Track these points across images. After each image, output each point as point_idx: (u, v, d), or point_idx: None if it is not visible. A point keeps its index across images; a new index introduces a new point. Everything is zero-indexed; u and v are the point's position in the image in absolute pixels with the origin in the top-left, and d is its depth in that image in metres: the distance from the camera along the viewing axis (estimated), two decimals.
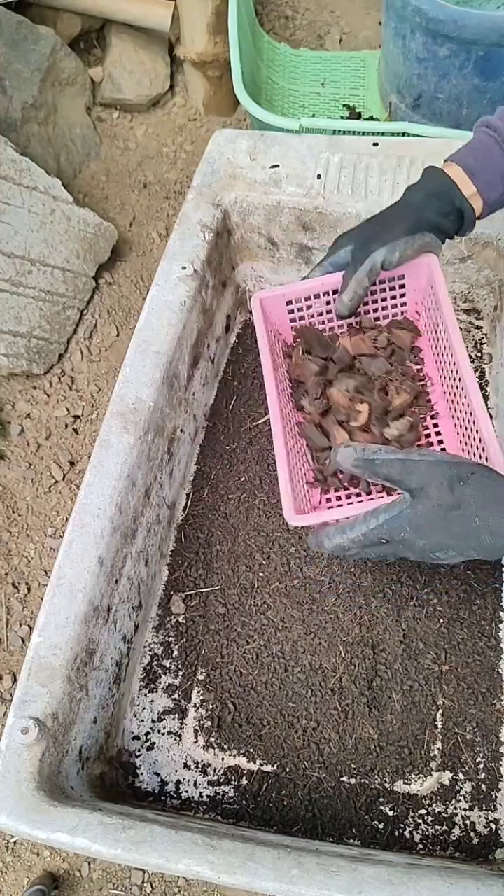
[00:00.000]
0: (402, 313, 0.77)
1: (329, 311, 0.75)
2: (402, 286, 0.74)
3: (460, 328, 0.97)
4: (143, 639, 0.79)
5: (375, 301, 0.76)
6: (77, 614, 0.64)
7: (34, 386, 1.41)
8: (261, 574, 0.80)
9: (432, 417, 0.73)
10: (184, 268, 0.82)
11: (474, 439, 0.64)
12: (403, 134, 1.22)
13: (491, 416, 0.90)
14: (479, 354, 0.96)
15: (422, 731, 0.72)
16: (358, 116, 1.63)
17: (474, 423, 0.63)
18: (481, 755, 0.71)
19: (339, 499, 0.70)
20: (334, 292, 0.72)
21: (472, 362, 0.95)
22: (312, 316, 0.75)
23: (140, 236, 1.61)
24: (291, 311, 0.74)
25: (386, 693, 0.73)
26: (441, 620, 0.77)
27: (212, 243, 0.87)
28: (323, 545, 0.59)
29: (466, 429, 0.66)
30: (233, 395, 0.94)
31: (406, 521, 0.54)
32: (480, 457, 0.62)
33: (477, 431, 0.62)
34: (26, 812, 0.55)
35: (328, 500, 0.70)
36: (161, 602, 0.81)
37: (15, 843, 1.05)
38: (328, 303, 0.73)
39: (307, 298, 0.73)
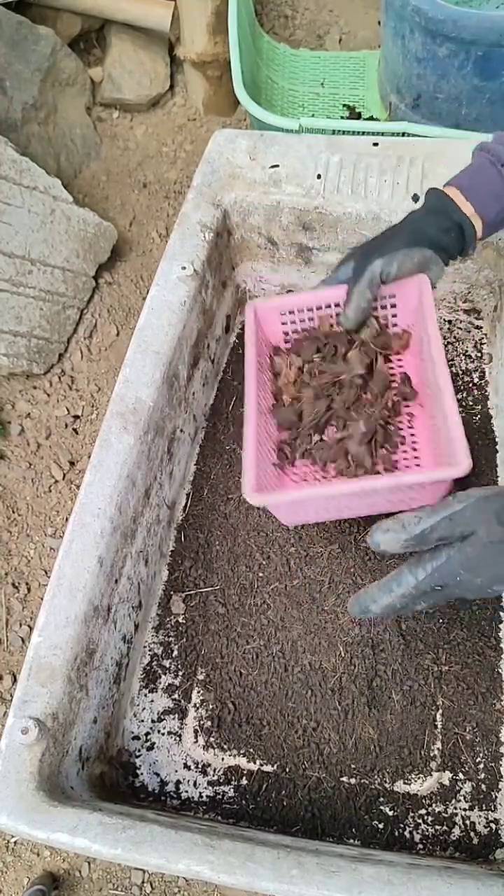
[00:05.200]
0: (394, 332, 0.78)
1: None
2: (394, 305, 0.74)
3: (460, 328, 0.97)
4: (142, 639, 0.79)
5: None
6: (77, 614, 0.64)
7: (34, 386, 1.41)
8: (261, 574, 0.80)
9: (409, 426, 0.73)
10: (184, 268, 0.82)
11: (445, 437, 0.64)
12: (403, 134, 1.22)
13: (491, 416, 0.90)
14: (479, 354, 0.96)
15: (422, 731, 0.72)
16: (358, 116, 1.63)
17: (445, 419, 0.63)
18: (481, 755, 0.71)
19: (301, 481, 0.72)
20: (333, 306, 0.73)
21: (472, 362, 0.95)
22: (306, 329, 0.76)
23: (140, 236, 1.61)
24: (285, 324, 0.75)
25: (386, 693, 0.73)
26: (441, 620, 0.77)
27: (212, 243, 0.87)
28: (369, 610, 0.56)
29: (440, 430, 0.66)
30: (233, 395, 0.94)
31: (458, 565, 0.52)
32: (447, 451, 0.63)
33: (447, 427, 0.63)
34: (26, 812, 0.55)
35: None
36: (161, 602, 0.81)
37: (15, 843, 1.05)
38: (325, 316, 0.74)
39: (301, 311, 0.74)
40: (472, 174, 0.69)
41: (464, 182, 0.68)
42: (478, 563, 0.52)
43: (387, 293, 0.73)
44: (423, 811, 0.69)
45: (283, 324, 0.75)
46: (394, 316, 0.75)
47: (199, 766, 0.72)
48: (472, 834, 0.68)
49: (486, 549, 0.51)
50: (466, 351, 0.96)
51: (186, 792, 0.71)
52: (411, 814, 0.69)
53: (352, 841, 0.68)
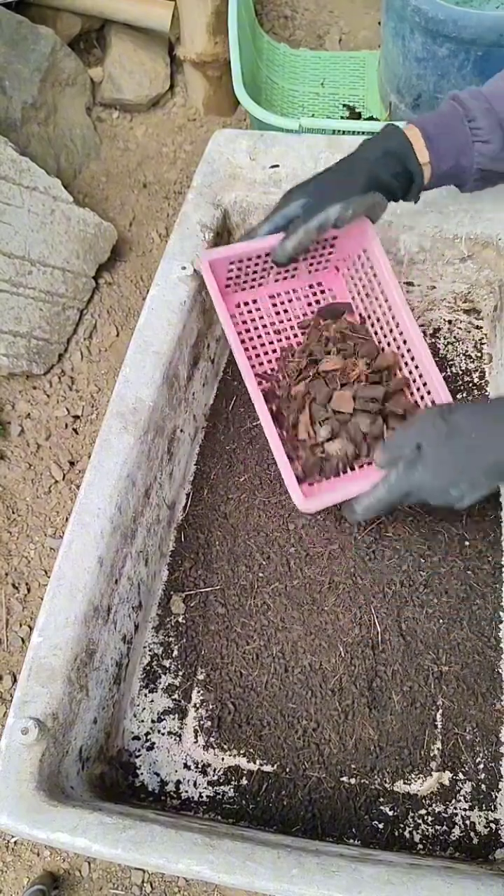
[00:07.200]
0: (325, 268, 0.84)
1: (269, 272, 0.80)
2: (332, 245, 0.79)
3: (460, 328, 0.97)
4: (142, 639, 0.79)
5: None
6: (77, 614, 0.64)
7: (34, 386, 1.41)
8: (261, 574, 0.80)
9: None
10: (184, 268, 0.82)
11: (421, 379, 0.73)
12: None
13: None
14: (479, 354, 0.96)
15: (422, 732, 0.72)
16: (358, 116, 1.63)
17: (413, 359, 0.71)
18: (481, 755, 0.71)
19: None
20: None
21: (472, 362, 0.95)
22: (251, 275, 0.80)
23: (140, 236, 1.61)
24: (231, 271, 0.78)
25: (386, 693, 0.73)
26: (441, 620, 0.77)
27: (212, 243, 0.87)
28: (355, 513, 0.66)
29: (412, 373, 0.75)
30: (233, 395, 0.94)
31: (418, 471, 0.61)
32: (427, 394, 0.72)
33: (419, 370, 0.72)
34: (26, 812, 0.55)
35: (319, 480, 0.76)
36: (161, 602, 0.81)
37: (15, 843, 1.05)
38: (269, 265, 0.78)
39: (250, 259, 0.77)
40: (438, 122, 0.67)
41: (429, 128, 0.67)
42: (432, 460, 0.60)
43: (329, 236, 0.76)
44: (423, 811, 0.69)
45: (229, 271, 0.79)
46: (330, 253, 0.80)
47: (199, 766, 0.72)
48: (472, 834, 0.68)
49: (436, 446, 0.60)
50: (466, 351, 0.96)
51: (186, 792, 0.71)
52: (411, 814, 0.69)
53: (352, 841, 0.68)
